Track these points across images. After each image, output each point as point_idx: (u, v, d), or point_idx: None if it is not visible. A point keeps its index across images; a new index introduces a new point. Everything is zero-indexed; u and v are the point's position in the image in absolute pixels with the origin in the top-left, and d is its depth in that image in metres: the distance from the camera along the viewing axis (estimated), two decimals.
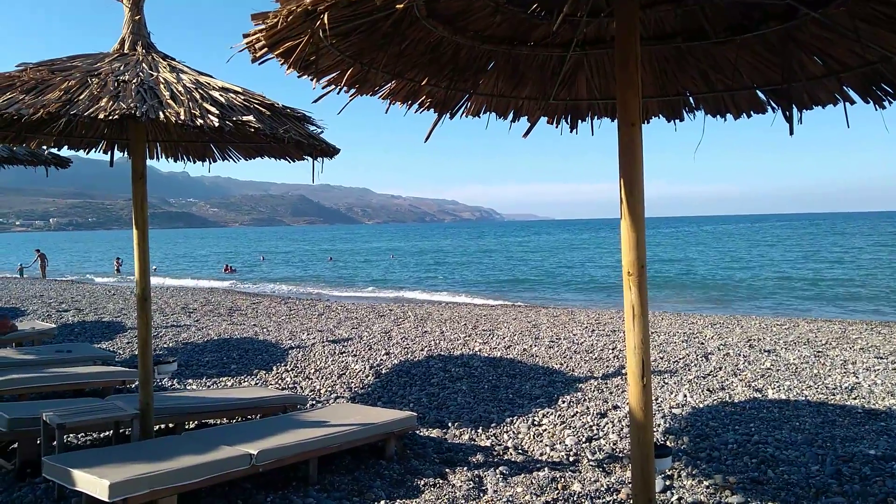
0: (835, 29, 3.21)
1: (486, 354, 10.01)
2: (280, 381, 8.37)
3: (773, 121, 3.93)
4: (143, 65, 4.56)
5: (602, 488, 4.75)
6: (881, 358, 9.37)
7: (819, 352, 9.94)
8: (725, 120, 4.25)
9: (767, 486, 4.76)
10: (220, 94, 4.38)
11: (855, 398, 7.17)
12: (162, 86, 4.30)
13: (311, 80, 3.22)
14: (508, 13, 3.34)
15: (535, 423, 6.48)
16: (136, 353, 5.18)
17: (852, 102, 3.67)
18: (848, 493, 4.54)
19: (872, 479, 4.78)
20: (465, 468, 5.16)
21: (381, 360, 9.60)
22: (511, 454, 5.60)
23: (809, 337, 11.50)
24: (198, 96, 4.25)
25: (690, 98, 4.22)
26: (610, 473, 5.10)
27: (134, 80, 4.28)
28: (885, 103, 3.57)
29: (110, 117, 3.92)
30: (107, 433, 5.88)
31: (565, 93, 4.34)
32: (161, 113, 4.01)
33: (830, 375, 8.28)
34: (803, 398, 7.20)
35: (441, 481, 4.90)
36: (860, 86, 3.58)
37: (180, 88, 4.30)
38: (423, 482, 4.87)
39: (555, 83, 4.16)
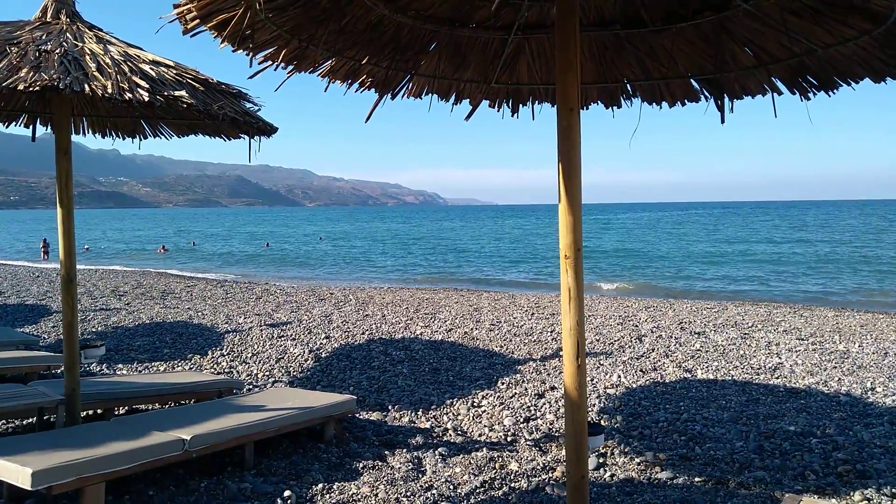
0: (765, 21, 3.31)
1: (427, 338, 10.04)
2: (216, 366, 8.19)
3: (705, 109, 4.04)
4: (68, 34, 4.33)
5: (538, 467, 4.85)
6: (802, 339, 9.86)
7: (745, 334, 10.39)
8: (661, 107, 4.34)
9: (695, 461, 4.95)
10: (151, 68, 4.20)
11: (777, 378, 7.52)
12: (87, 57, 4.09)
13: (247, 55, 3.12)
14: None
15: (475, 404, 6.55)
16: (62, 337, 4.97)
17: (780, 93, 3.81)
18: (769, 468, 4.77)
19: (792, 453, 5.04)
20: (405, 450, 5.18)
21: (321, 343, 9.51)
22: (450, 435, 5.65)
23: (737, 319, 11.99)
24: (126, 69, 4.07)
25: (628, 85, 4.29)
26: (546, 452, 5.21)
27: (57, 51, 4.06)
28: (810, 95, 3.71)
29: (31, 89, 3.71)
30: (30, 420, 5.64)
31: (507, 76, 4.34)
32: (86, 85, 3.82)
33: (755, 356, 8.66)
34: (730, 378, 7.51)
35: (380, 463, 4.90)
36: (787, 77, 3.71)
37: (107, 60, 4.11)
38: (361, 465, 4.86)
39: (496, 66, 4.15)
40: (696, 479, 4.63)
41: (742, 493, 4.38)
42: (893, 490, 4.36)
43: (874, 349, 9.09)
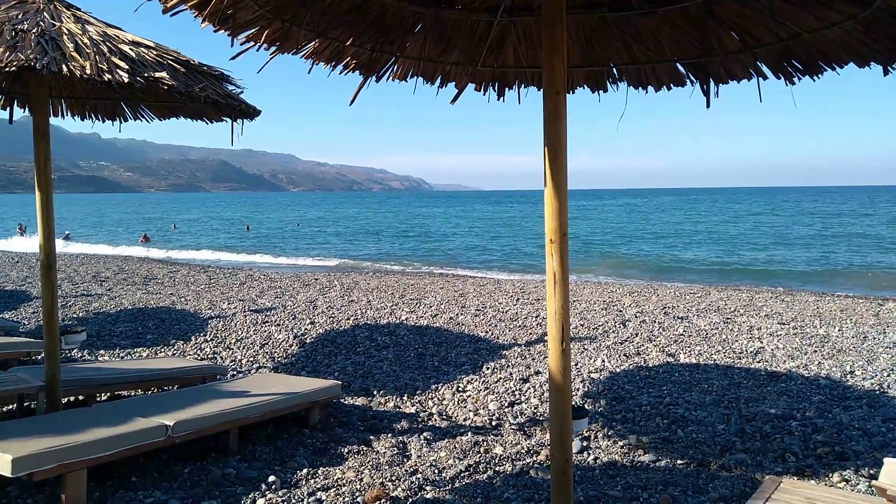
0: (751, 5, 3.30)
1: (412, 323, 10.04)
2: (199, 352, 8.14)
3: (691, 94, 4.03)
4: (45, 14, 4.23)
5: (522, 451, 4.87)
6: (784, 324, 9.98)
7: (728, 318, 10.49)
8: (647, 92, 4.32)
9: (677, 444, 5.00)
10: (130, 48, 4.12)
11: (759, 361, 7.61)
12: (65, 37, 4.00)
13: (229, 35, 3.06)
14: None
15: (460, 389, 6.57)
16: (42, 323, 4.91)
17: (765, 78, 3.81)
18: (750, 450, 4.83)
19: (772, 436, 5.10)
20: (390, 435, 5.19)
21: (306, 329, 9.47)
22: (435, 420, 5.66)
23: (720, 304, 12.10)
24: (105, 49, 3.99)
25: (614, 69, 4.27)
26: (530, 436, 5.23)
27: (34, 30, 3.97)
28: (795, 79, 3.72)
29: (7, 69, 3.63)
30: (10, 407, 5.57)
31: (493, 59, 4.30)
32: (64, 66, 3.75)
33: (738, 340, 8.75)
34: (712, 362, 7.58)
35: (365, 448, 4.90)
36: (773, 62, 3.71)
37: (86, 40, 4.02)
38: (346, 449, 4.86)
39: (482, 49, 4.11)
40: (679, 461, 4.68)
41: (723, 475, 4.44)
42: (871, 471, 4.44)
43: (853, 333, 9.22)
